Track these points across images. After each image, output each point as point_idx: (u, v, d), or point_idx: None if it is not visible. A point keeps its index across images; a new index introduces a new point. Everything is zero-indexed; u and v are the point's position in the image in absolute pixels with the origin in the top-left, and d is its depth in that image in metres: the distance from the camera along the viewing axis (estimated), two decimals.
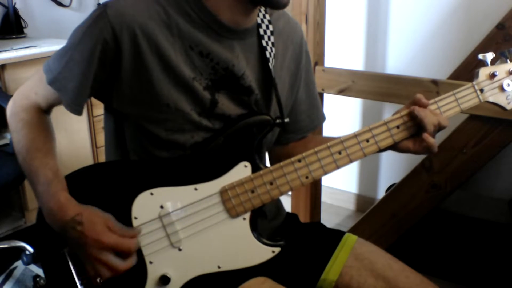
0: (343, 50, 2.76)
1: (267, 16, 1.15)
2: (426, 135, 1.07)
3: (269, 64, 1.12)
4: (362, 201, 2.93)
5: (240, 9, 1.06)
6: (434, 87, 1.84)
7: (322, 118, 1.34)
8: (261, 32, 1.13)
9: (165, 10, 1.03)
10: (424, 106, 1.09)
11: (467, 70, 2.25)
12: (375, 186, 2.88)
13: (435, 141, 1.08)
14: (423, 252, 2.32)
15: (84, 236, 0.97)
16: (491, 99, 1.14)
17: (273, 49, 1.14)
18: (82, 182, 1.06)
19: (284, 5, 1.04)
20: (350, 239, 1.22)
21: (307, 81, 1.28)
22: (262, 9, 1.14)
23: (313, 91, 1.30)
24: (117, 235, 0.99)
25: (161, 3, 1.03)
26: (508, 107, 1.15)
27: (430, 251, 2.33)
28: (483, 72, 1.13)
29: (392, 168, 2.74)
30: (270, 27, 1.14)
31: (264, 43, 1.13)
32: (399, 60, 2.63)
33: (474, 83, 1.13)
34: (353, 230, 2.23)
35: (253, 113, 1.11)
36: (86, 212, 0.99)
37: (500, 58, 1.15)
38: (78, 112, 1.08)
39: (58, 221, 1.00)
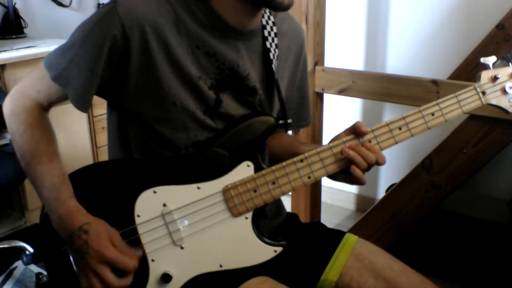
0: (343, 50, 2.76)
1: (272, 18, 1.15)
2: (353, 168, 1.05)
3: (272, 66, 1.13)
4: (362, 201, 2.93)
5: (245, 11, 1.06)
6: (434, 87, 1.84)
7: (306, 122, 1.34)
8: (266, 33, 1.13)
9: (173, 8, 1.03)
10: (363, 134, 1.07)
11: (467, 70, 2.26)
12: (375, 186, 2.88)
13: (362, 174, 1.06)
14: (423, 252, 2.32)
15: (87, 245, 0.97)
16: (493, 102, 1.14)
17: (277, 50, 1.15)
18: (86, 180, 1.06)
19: (286, 8, 1.04)
20: (351, 239, 1.22)
21: (303, 82, 1.29)
22: (267, 10, 1.15)
23: (306, 92, 1.31)
24: (119, 252, 0.99)
25: (170, 2, 1.03)
26: (511, 110, 1.15)
27: (430, 251, 2.33)
28: (485, 75, 1.13)
29: (392, 168, 2.74)
30: (274, 28, 1.15)
31: (268, 45, 1.13)
32: (399, 60, 2.64)
33: (476, 85, 1.13)
34: (353, 230, 2.23)
35: (257, 114, 1.12)
36: (93, 223, 0.99)
37: (501, 61, 1.16)
38: (85, 109, 1.06)
39: (66, 229, 0.99)
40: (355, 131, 1.07)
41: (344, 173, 1.08)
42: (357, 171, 1.05)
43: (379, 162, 1.07)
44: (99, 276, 0.97)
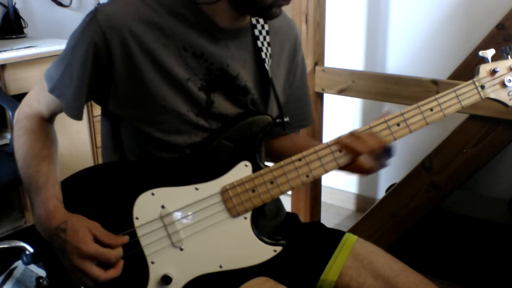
0: (343, 50, 2.76)
1: None
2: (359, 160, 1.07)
3: (266, 64, 1.12)
4: (362, 201, 2.93)
5: (234, 12, 1.06)
6: (434, 87, 1.84)
7: (309, 120, 1.34)
8: (256, 32, 1.13)
9: (157, 12, 1.03)
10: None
11: (467, 70, 2.26)
12: (375, 186, 2.88)
13: (369, 162, 1.08)
14: (423, 252, 2.32)
15: (66, 243, 0.97)
16: (492, 96, 1.13)
17: (269, 48, 1.14)
18: (83, 184, 1.07)
19: (277, 16, 1.05)
20: (350, 239, 1.22)
21: (303, 79, 1.28)
22: None
23: (306, 90, 1.31)
24: (99, 245, 0.98)
25: (153, 5, 1.03)
26: (510, 103, 1.14)
27: (430, 251, 2.33)
28: (484, 69, 1.13)
29: (392, 168, 2.72)
30: (266, 26, 1.14)
31: (259, 44, 1.12)
32: (399, 60, 2.63)
33: (475, 79, 1.12)
34: (353, 230, 2.23)
35: (253, 113, 1.11)
36: (71, 220, 0.99)
37: (500, 54, 1.15)
38: (77, 117, 1.08)
39: (45, 229, 1.00)
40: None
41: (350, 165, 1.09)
42: (359, 159, 1.06)
43: (384, 147, 1.08)
44: (83, 271, 0.97)
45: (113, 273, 0.99)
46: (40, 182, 1.02)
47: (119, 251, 1.00)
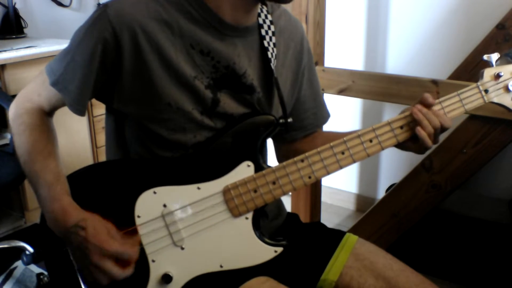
0: (343, 50, 2.76)
1: (269, 17, 1.15)
2: (418, 129, 1.08)
3: (271, 64, 1.13)
4: (362, 201, 2.93)
5: (242, 7, 1.06)
6: (434, 87, 1.84)
7: (327, 115, 1.34)
8: (263, 32, 1.13)
9: (165, 9, 1.03)
10: (429, 106, 1.09)
11: (467, 70, 2.26)
12: (375, 186, 2.88)
13: (426, 135, 1.08)
14: (423, 252, 2.32)
15: (87, 242, 0.96)
16: (495, 100, 1.13)
17: (275, 49, 1.14)
18: (85, 181, 1.07)
19: (289, 2, 1.05)
20: (351, 239, 1.22)
21: (311, 79, 1.28)
22: (264, 9, 1.14)
23: (317, 89, 1.30)
24: (119, 243, 0.98)
25: (162, 2, 1.03)
26: None
27: (430, 251, 2.34)
28: (488, 73, 1.13)
29: (392, 168, 2.74)
30: (272, 27, 1.14)
31: (266, 44, 1.13)
32: (399, 60, 2.64)
33: (478, 83, 1.12)
34: (353, 230, 2.23)
35: (256, 113, 1.12)
36: (89, 219, 0.99)
37: (504, 58, 1.15)
38: (81, 112, 1.08)
39: (60, 226, 0.99)
40: (422, 103, 1.09)
41: (410, 141, 1.11)
42: (422, 132, 1.07)
43: (444, 126, 1.09)
44: (103, 270, 0.97)
45: (129, 271, 0.99)
46: (48, 178, 1.02)
47: (138, 250, 1.00)
